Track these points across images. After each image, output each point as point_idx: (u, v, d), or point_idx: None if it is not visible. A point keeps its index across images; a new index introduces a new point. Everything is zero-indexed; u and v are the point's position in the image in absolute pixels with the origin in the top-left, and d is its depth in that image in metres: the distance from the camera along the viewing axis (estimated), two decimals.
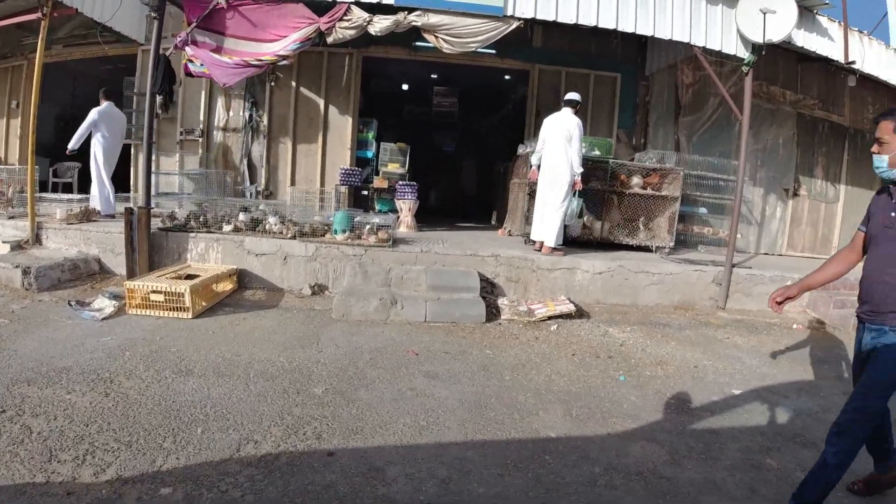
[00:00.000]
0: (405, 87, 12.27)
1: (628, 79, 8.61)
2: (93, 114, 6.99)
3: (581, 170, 6.04)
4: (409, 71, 10.71)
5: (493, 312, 5.15)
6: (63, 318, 4.47)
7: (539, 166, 6.18)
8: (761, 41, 5.67)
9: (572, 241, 6.60)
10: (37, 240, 6.16)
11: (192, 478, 2.37)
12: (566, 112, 6.09)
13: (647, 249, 6.88)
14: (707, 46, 5.96)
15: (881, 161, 2.28)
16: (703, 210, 7.96)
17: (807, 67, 8.09)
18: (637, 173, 7.01)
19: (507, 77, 10.59)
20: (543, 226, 6.05)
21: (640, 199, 6.93)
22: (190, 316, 4.64)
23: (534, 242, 6.28)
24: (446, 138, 14.80)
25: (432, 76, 11.50)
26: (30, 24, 7.02)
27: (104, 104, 7.14)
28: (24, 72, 9.29)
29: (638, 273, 5.91)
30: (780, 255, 8.40)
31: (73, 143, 6.98)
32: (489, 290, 5.61)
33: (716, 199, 7.89)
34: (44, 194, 7.49)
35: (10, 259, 5.58)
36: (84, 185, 9.79)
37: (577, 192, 6.09)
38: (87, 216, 6.74)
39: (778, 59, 7.49)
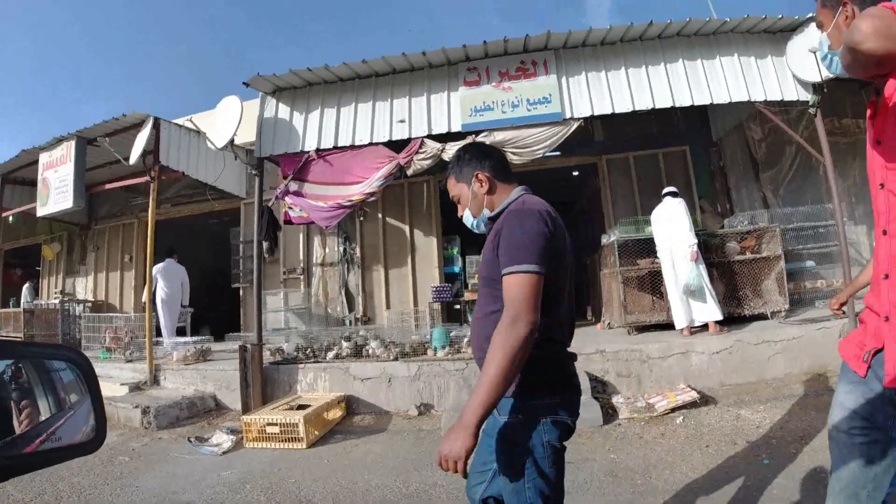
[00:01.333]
0: None
1: (697, 148, 8.59)
2: (155, 269, 7.97)
3: (694, 241, 6.00)
4: None
5: (609, 413, 4.90)
6: (183, 454, 4.75)
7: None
8: (819, 80, 5.56)
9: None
10: (154, 381, 6.70)
11: None
12: (667, 200, 6.30)
13: (761, 318, 6.40)
14: (768, 99, 5.89)
15: None
16: (810, 263, 7.36)
17: (870, 91, 7.66)
18: (731, 239, 6.73)
19: (575, 173, 10.86)
20: (697, 306, 5.96)
21: (741, 266, 6.58)
22: (304, 446, 4.78)
23: (676, 330, 6.12)
24: None
25: None
26: (136, 186, 8.24)
27: (165, 262, 8.17)
28: (136, 229, 10.62)
29: (758, 345, 5.46)
30: None
31: (144, 296, 7.87)
32: (600, 389, 5.38)
33: (820, 249, 7.30)
34: (160, 339, 8.33)
35: (129, 400, 6.07)
36: (197, 328, 10.81)
37: (695, 264, 6.00)
38: (203, 356, 7.30)
39: (840, 92, 7.21)
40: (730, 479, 3.35)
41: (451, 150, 6.18)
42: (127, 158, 7.02)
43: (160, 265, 8.30)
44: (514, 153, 6.20)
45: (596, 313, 8.94)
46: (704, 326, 5.99)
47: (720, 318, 5.90)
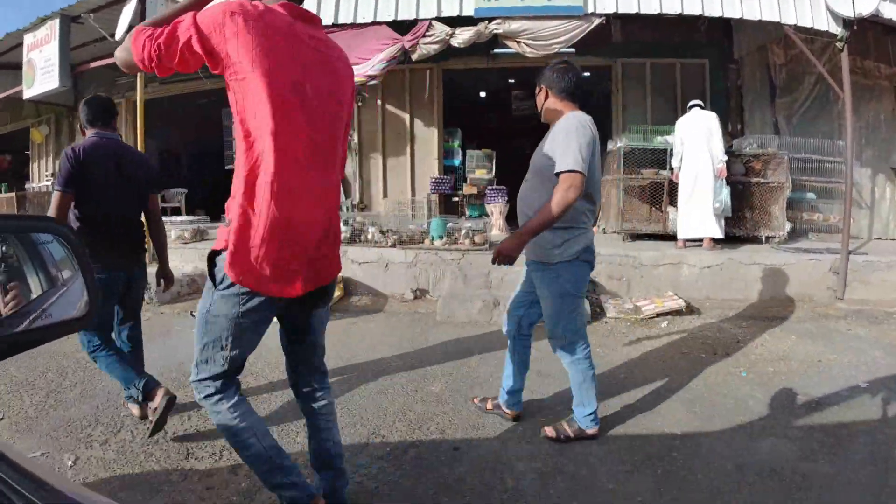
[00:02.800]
0: (483, 94, 12.40)
1: (716, 64, 8.26)
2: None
3: (725, 158, 6.02)
4: (488, 79, 10.81)
5: (597, 311, 5.08)
6: (186, 328, 4.85)
7: (679, 168, 6.24)
8: (852, 15, 5.29)
9: (672, 237, 6.37)
10: (153, 258, 6.79)
11: None
12: (697, 111, 6.17)
13: (755, 241, 6.50)
14: (797, 24, 5.58)
15: None
16: (811, 195, 7.39)
17: None
18: (738, 161, 6.66)
19: (586, 74, 10.40)
20: (698, 221, 6.02)
21: (745, 188, 6.57)
22: None
23: (676, 241, 6.22)
24: (528, 141, 14.75)
25: (510, 81, 11.54)
26: None
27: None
28: (124, 109, 10.10)
29: (750, 265, 5.60)
30: (894, 238, 7.63)
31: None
32: (591, 289, 5.53)
33: (823, 183, 7.30)
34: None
35: None
36: (191, 209, 10.75)
37: (722, 182, 6.05)
38: (200, 236, 7.33)
39: (867, 33, 6.90)
40: (707, 384, 3.55)
41: (461, 35, 5.82)
42: (113, 35, 6.56)
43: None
44: (527, 44, 5.88)
45: None
46: (699, 242, 6.09)
47: (721, 236, 5.98)
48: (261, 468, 1.87)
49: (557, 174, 2.41)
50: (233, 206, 1.68)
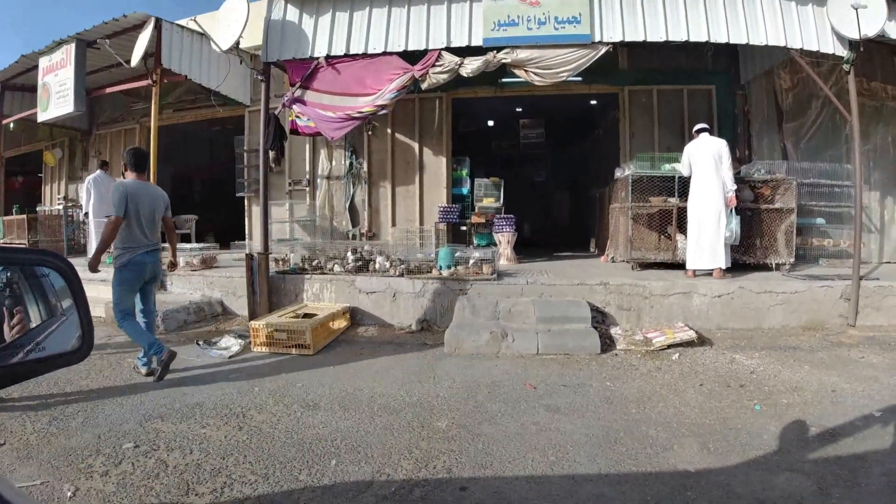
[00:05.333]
0: (491, 123, 12.53)
1: (723, 90, 8.31)
2: (87, 180, 8.12)
3: (734, 186, 6.00)
4: (495, 107, 10.96)
5: (607, 343, 5.02)
6: (192, 357, 4.87)
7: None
8: (857, 37, 5.34)
9: (681, 265, 6.32)
10: (161, 285, 6.77)
11: None
12: (706, 137, 6.15)
13: (766, 268, 6.44)
14: (803, 48, 5.63)
15: None
16: (820, 220, 7.35)
17: None
18: (746, 187, 6.63)
19: (593, 102, 10.53)
20: (708, 251, 5.97)
21: (753, 214, 6.53)
22: (311, 353, 4.92)
23: (685, 271, 6.16)
24: (535, 169, 14.86)
25: (517, 109, 11.68)
26: (137, 90, 8.01)
27: (97, 172, 8.19)
28: (138, 134, 10.43)
29: (761, 294, 5.53)
30: None
31: (84, 207, 8.18)
32: (600, 319, 5.48)
33: (832, 208, 7.27)
34: (165, 244, 8.32)
35: None
36: (201, 235, 10.84)
37: (732, 211, 5.99)
38: (209, 263, 7.35)
39: (873, 54, 6.94)
40: (721, 418, 3.47)
41: (470, 64, 5.90)
42: (128, 61, 6.72)
43: (91, 176, 8.25)
44: (535, 73, 5.94)
45: (600, 246, 8.97)
46: (709, 271, 6.03)
47: (728, 266, 5.93)
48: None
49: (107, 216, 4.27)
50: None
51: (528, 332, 5.04)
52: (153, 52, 6.62)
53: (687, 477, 2.72)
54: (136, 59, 6.57)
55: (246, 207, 9.47)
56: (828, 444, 3.06)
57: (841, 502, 2.45)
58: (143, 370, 4.31)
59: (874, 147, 7.44)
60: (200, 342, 5.24)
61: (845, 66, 5.56)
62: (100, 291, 6.69)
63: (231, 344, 5.12)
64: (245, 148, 9.40)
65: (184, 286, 6.75)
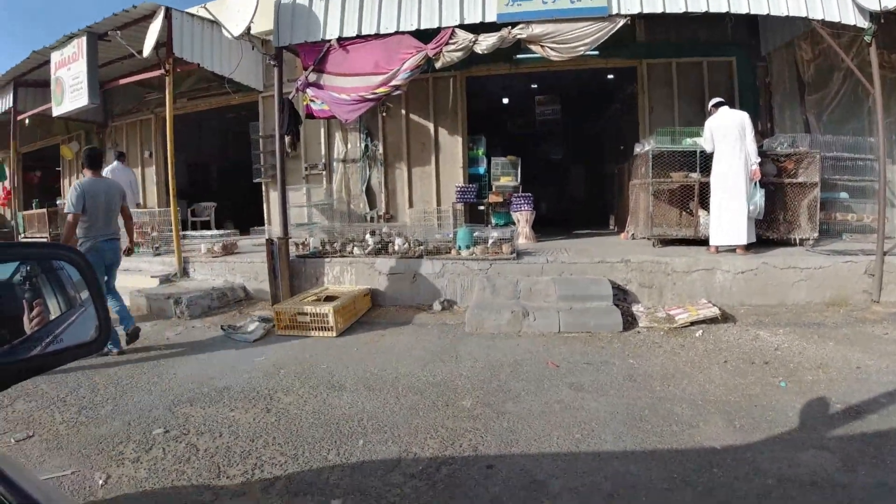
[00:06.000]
0: (506, 101, 12.39)
1: (744, 62, 8.11)
2: (104, 172, 8.34)
3: (758, 159, 5.90)
4: (510, 85, 10.82)
5: (629, 320, 5.01)
6: (217, 342, 4.97)
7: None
8: (878, 8, 5.18)
9: (703, 241, 6.25)
10: (184, 272, 6.90)
11: (359, 489, 2.48)
12: (726, 110, 6.05)
13: (789, 243, 6.33)
14: (825, 19, 5.44)
15: None
16: (843, 195, 7.16)
17: None
18: (769, 161, 6.49)
19: (609, 76, 10.33)
20: (731, 227, 5.88)
21: (776, 188, 6.40)
22: (334, 335, 4.98)
23: (707, 246, 6.09)
24: (552, 146, 14.69)
25: (532, 86, 11.51)
26: (150, 80, 8.03)
27: (114, 163, 8.47)
28: (153, 125, 10.54)
29: (785, 269, 5.46)
30: None
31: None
32: (621, 297, 5.46)
33: (855, 182, 7.07)
34: (186, 232, 8.44)
35: (160, 291, 6.27)
36: (220, 222, 10.97)
37: (756, 184, 5.89)
38: (230, 249, 7.44)
39: (893, 26, 6.70)
40: (746, 395, 3.46)
41: (485, 41, 5.81)
42: (140, 52, 6.72)
43: (108, 167, 8.39)
44: (552, 48, 5.84)
45: (619, 223, 8.89)
46: (732, 247, 5.95)
47: (753, 241, 5.85)
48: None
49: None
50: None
51: (549, 310, 5.04)
52: (164, 42, 6.60)
53: (713, 454, 2.73)
54: (147, 49, 6.57)
55: (263, 193, 9.53)
56: (853, 421, 3.04)
57: (867, 479, 2.45)
58: (115, 351, 4.64)
59: None
60: (225, 327, 5.32)
61: (866, 38, 5.39)
62: (124, 280, 6.86)
63: (255, 328, 5.19)
64: (260, 134, 9.42)
65: (206, 273, 6.85)
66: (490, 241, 6.08)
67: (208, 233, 8.96)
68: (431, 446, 2.88)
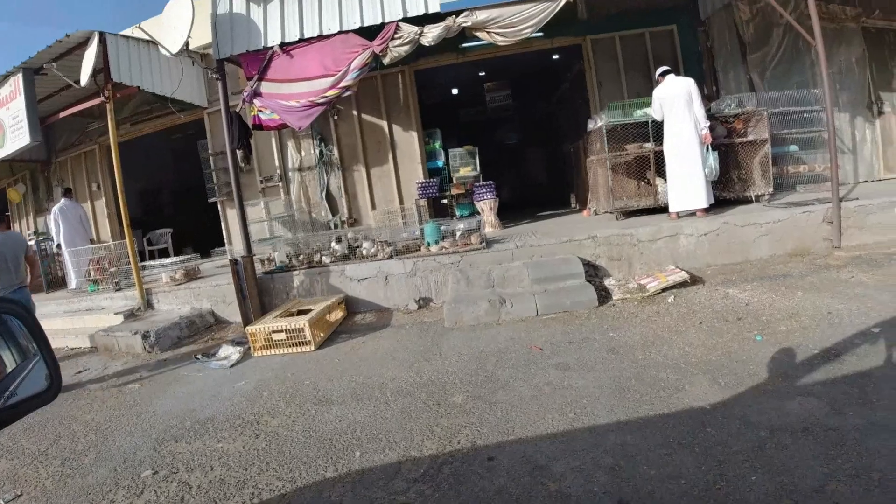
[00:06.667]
0: (456, 91, 12.36)
1: (685, 28, 8.30)
2: (52, 211, 8.32)
3: (708, 123, 6.05)
4: (459, 74, 10.78)
5: (603, 295, 5.07)
6: (192, 372, 4.78)
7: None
8: None
9: (664, 209, 6.38)
10: (148, 305, 6.64)
11: (363, 502, 2.43)
12: (672, 78, 6.15)
13: (745, 201, 6.53)
14: None
15: None
16: (793, 147, 7.46)
17: None
18: (719, 123, 6.66)
19: (555, 57, 10.41)
20: (689, 191, 6.00)
21: (728, 149, 6.58)
22: (312, 349, 4.87)
23: (669, 214, 6.22)
24: (507, 131, 14.76)
25: (481, 74, 11.51)
26: (91, 110, 7.71)
27: (62, 201, 8.26)
28: (98, 155, 10.13)
29: (745, 227, 5.62)
30: (880, 179, 7.75)
31: (56, 238, 8.40)
32: (592, 273, 5.52)
33: (804, 134, 7.37)
34: (144, 262, 8.16)
35: (126, 327, 5.98)
36: (179, 248, 10.64)
37: (708, 147, 6.01)
38: (192, 275, 7.19)
39: None
40: (726, 353, 3.55)
41: (430, 32, 5.74)
42: (77, 81, 6.42)
43: (56, 206, 8.20)
44: (498, 33, 5.81)
45: (580, 200, 9.00)
46: (692, 211, 6.09)
47: (711, 203, 6.00)
48: None
49: None
50: None
51: (525, 295, 5.06)
52: (101, 68, 6.33)
53: (704, 413, 2.79)
54: (84, 77, 6.28)
55: (220, 212, 9.25)
56: (833, 365, 3.15)
57: (857, 420, 2.52)
58: None
59: (839, 69, 7.53)
60: (199, 356, 5.15)
61: None
62: (86, 321, 6.59)
63: (230, 352, 5.03)
64: (210, 152, 9.12)
65: (172, 302, 6.62)
66: (458, 234, 6.07)
67: (167, 260, 8.64)
68: (429, 447, 2.84)
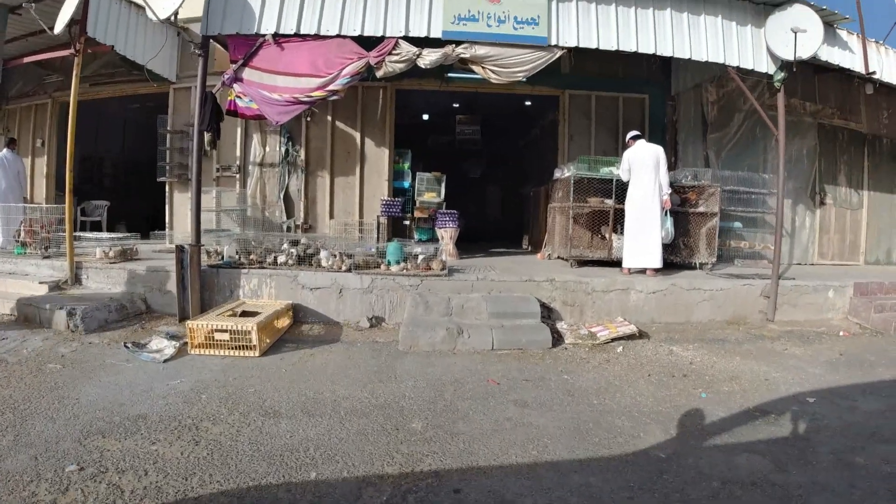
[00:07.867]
0: (426, 117, 12.50)
1: (656, 100, 8.83)
2: None
3: (670, 190, 6.45)
4: (435, 101, 10.93)
5: (555, 337, 5.19)
6: (121, 361, 4.38)
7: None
8: (791, 58, 5.85)
9: (615, 262, 6.68)
10: (76, 280, 6.10)
11: None
12: (643, 143, 6.56)
13: (690, 267, 6.94)
14: (740, 66, 6.10)
15: None
16: (737, 224, 8.08)
17: (823, 78, 8.36)
18: (674, 191, 7.08)
19: (528, 103, 10.79)
20: (645, 251, 6.33)
21: (680, 217, 7.00)
22: (257, 354, 4.59)
23: (621, 268, 6.53)
24: (471, 165, 15.01)
25: (454, 105, 11.72)
26: (52, 61, 7.21)
27: (3, 151, 7.78)
28: (49, 110, 9.48)
29: (690, 291, 5.96)
30: (812, 264, 8.55)
31: None
32: (546, 314, 5.64)
33: (748, 213, 8.03)
34: (78, 233, 7.54)
35: (50, 300, 5.47)
36: (112, 224, 9.97)
37: (666, 212, 6.40)
38: (129, 255, 6.74)
39: (797, 71, 7.70)
40: (674, 406, 3.71)
41: (428, 56, 5.80)
42: (52, 28, 5.98)
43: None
44: (493, 70, 5.96)
45: (533, 243, 9.23)
46: (642, 269, 6.40)
47: (661, 265, 6.33)
48: None
49: None
50: None
51: (482, 327, 5.09)
52: (79, 20, 5.93)
53: (660, 461, 2.89)
54: (59, 25, 5.84)
55: (167, 193, 8.75)
56: (774, 427, 3.39)
57: (800, 478, 2.72)
58: None
59: (789, 158, 8.25)
60: (129, 344, 4.72)
61: (777, 84, 6.09)
62: (7, 286, 6.01)
63: (164, 346, 4.67)
64: (169, 128, 8.70)
65: (102, 280, 6.12)
66: (420, 258, 6.05)
67: (105, 235, 8.05)
68: (391, 474, 2.72)
